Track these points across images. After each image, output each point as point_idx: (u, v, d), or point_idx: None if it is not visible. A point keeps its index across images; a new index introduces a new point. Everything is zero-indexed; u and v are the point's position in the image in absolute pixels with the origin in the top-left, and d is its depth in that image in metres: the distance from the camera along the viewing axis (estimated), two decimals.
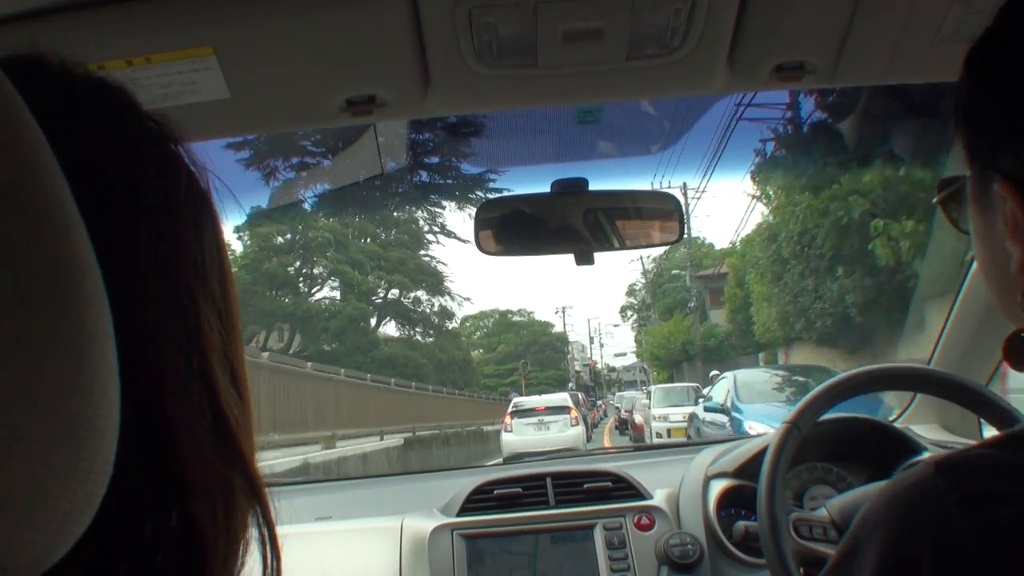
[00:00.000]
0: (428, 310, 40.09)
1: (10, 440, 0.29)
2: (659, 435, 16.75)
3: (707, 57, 1.09)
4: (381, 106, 1.11)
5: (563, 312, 70.73)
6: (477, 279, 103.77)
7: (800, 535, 1.32)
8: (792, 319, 19.68)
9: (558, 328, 58.91)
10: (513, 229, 1.43)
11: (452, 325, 41.75)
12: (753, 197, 20.90)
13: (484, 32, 1.00)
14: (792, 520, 1.34)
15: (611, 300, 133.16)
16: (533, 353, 50.75)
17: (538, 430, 17.47)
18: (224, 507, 0.45)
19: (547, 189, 1.42)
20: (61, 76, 0.44)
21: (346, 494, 2.21)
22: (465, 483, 1.82)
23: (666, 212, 1.51)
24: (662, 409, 18.02)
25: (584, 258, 1.40)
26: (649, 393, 21.00)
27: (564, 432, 17.46)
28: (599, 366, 62.05)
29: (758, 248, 21.85)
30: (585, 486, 1.77)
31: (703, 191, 28.10)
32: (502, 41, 1.02)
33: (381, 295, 36.55)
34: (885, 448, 1.69)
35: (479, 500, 1.76)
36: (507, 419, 18.44)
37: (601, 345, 65.58)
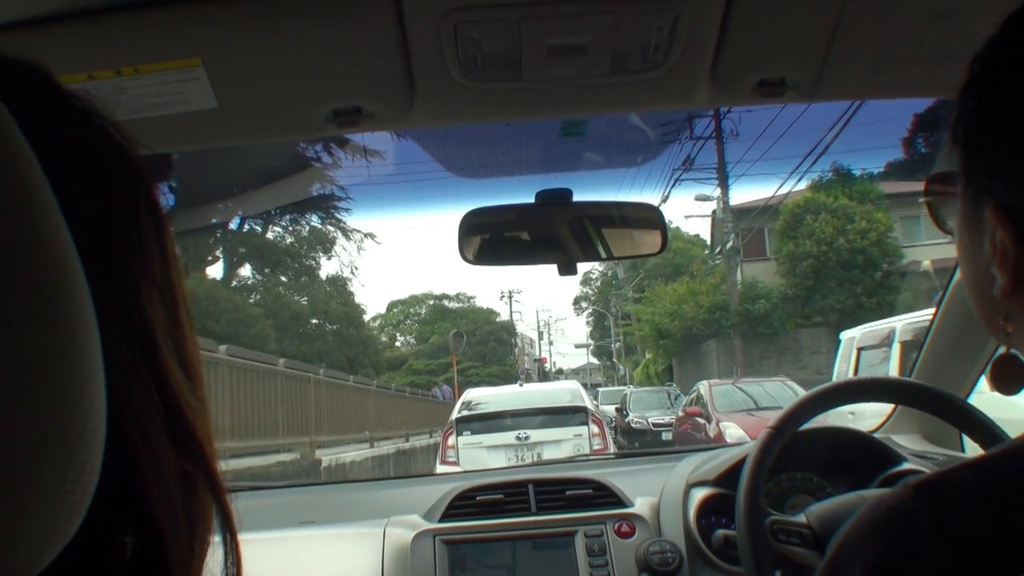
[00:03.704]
0: (284, 233, 25.50)
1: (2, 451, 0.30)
2: None
3: (690, 72, 1.10)
4: (367, 117, 1.12)
5: (510, 297, 55.81)
6: (401, 249, 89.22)
7: (778, 539, 1.34)
8: None
9: (503, 316, 49.83)
10: (497, 239, 1.44)
11: (337, 269, 28.94)
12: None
13: (469, 46, 1.01)
14: (769, 523, 1.36)
15: (560, 292, 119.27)
16: (473, 345, 40.04)
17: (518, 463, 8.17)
18: (183, 501, 0.43)
19: (531, 199, 1.43)
20: (29, 96, 0.42)
21: (329, 498, 2.21)
22: (447, 489, 1.83)
23: (650, 222, 1.52)
24: None
25: (567, 268, 1.41)
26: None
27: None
28: (548, 365, 54.28)
29: None
30: (567, 493, 1.78)
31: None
32: (487, 55, 1.03)
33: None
34: (865, 458, 1.71)
35: (461, 506, 1.77)
36: (447, 438, 9.11)
37: (551, 342, 58.83)
